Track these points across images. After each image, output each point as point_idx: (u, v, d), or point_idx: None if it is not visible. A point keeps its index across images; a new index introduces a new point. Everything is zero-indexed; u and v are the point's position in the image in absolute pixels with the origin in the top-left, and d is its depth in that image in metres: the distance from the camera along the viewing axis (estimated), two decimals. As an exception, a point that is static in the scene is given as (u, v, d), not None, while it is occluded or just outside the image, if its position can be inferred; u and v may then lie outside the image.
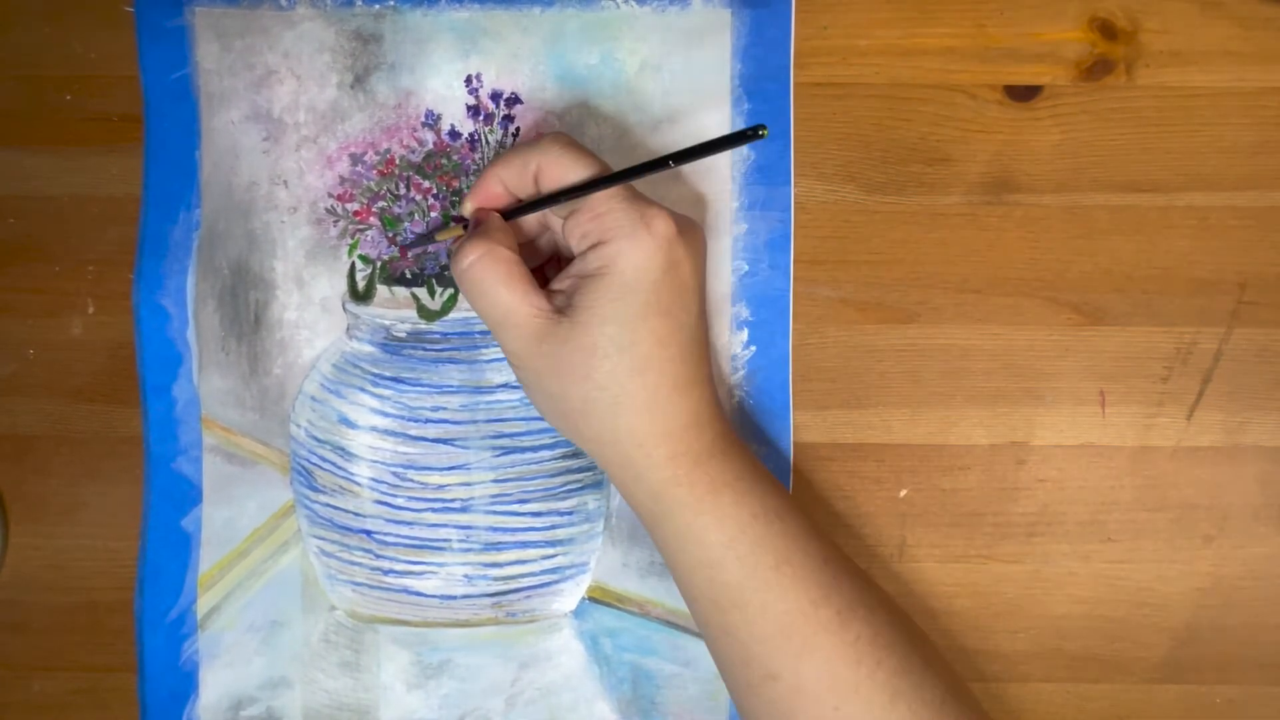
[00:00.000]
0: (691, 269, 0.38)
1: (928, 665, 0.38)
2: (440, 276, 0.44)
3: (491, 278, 0.38)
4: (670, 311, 0.37)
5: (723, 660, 0.39)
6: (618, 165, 0.38)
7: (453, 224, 0.42)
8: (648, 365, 0.37)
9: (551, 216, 0.40)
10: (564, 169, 0.38)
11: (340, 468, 0.44)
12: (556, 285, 0.39)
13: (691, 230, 0.38)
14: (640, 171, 0.36)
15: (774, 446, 0.44)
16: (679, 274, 0.37)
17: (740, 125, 0.44)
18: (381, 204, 0.44)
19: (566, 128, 0.44)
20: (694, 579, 0.38)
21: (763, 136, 0.32)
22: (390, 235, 0.44)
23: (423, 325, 0.44)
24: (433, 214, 0.44)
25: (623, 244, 0.37)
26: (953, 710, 0.37)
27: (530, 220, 0.41)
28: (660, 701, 0.44)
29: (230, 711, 0.44)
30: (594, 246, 0.37)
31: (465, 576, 0.44)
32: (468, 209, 0.40)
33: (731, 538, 0.37)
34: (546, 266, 0.43)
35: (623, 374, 0.37)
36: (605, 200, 0.37)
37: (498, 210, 0.40)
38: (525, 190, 0.39)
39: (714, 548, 0.38)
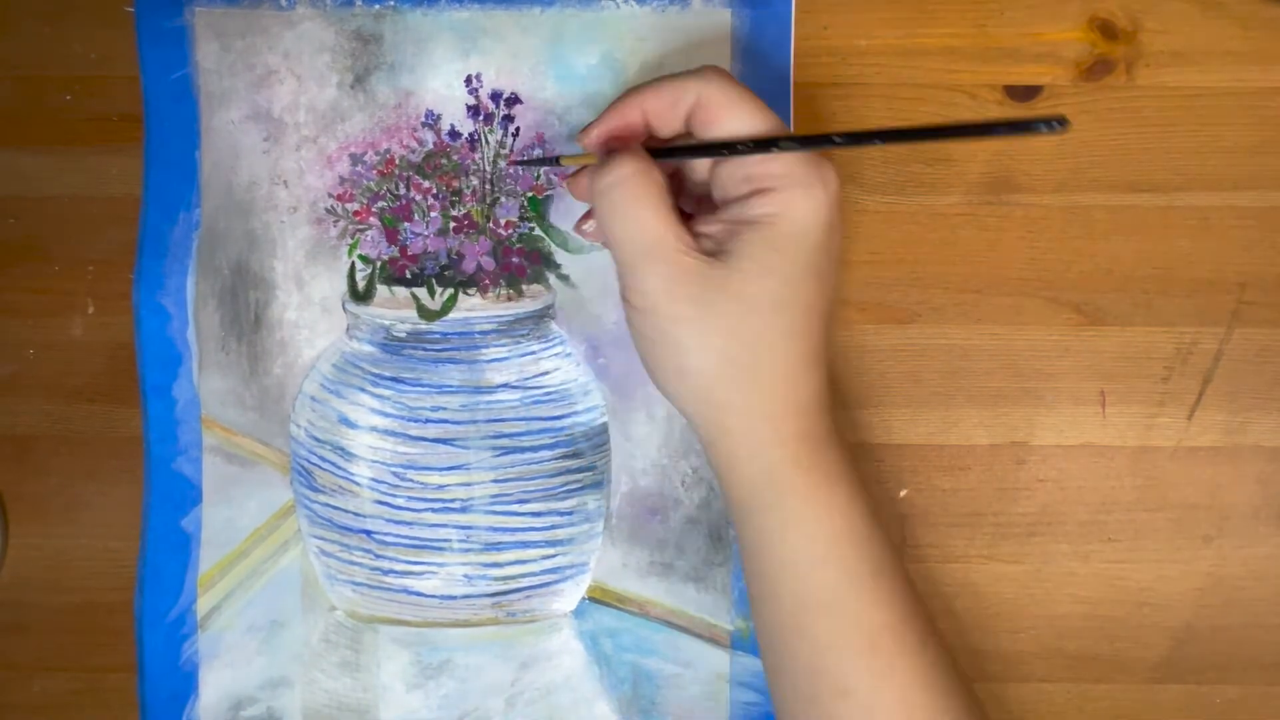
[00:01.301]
0: (841, 236, 0.35)
1: (982, 709, 0.37)
2: (440, 276, 0.44)
3: (644, 200, 0.34)
4: (824, 276, 0.34)
5: (787, 667, 0.36)
6: (734, 120, 0.36)
7: (513, 146, 0.40)
8: (796, 330, 0.34)
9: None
10: (728, 108, 0.34)
11: (340, 468, 0.44)
12: (703, 228, 0.35)
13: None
14: (840, 142, 0.33)
15: (774, 446, 0.44)
16: (835, 237, 0.35)
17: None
18: (381, 204, 0.44)
19: (567, 128, 0.44)
20: (784, 574, 0.35)
21: (1060, 130, 0.27)
22: (392, 232, 0.44)
23: (423, 325, 0.44)
24: (432, 214, 0.44)
25: (795, 194, 0.33)
26: None
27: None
28: (660, 701, 0.44)
29: (230, 712, 0.44)
30: (759, 192, 0.34)
31: (465, 576, 0.44)
32: (593, 138, 0.36)
33: (839, 534, 0.35)
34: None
35: (770, 334, 0.34)
36: (765, 121, 0.34)
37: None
38: (669, 128, 0.36)
39: (821, 541, 0.35)
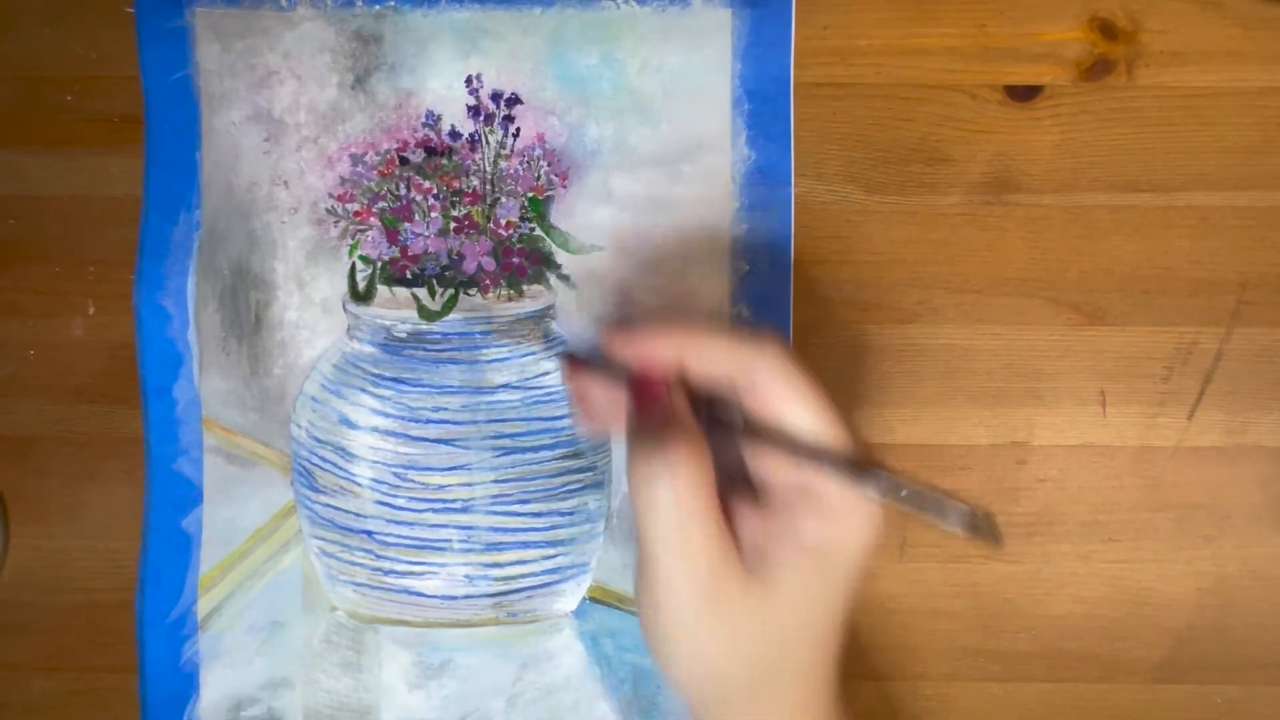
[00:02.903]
0: None
1: None
2: (441, 277, 0.44)
3: (693, 500, 0.30)
4: (851, 603, 0.32)
5: None
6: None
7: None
8: (821, 640, 0.32)
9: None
10: (787, 394, 0.31)
11: (341, 468, 0.44)
12: (745, 532, 0.32)
13: None
14: (877, 483, 0.31)
15: (775, 447, 0.44)
16: (869, 558, 0.32)
17: (741, 126, 0.44)
18: (382, 204, 0.44)
19: (567, 128, 0.44)
20: None
21: (996, 544, 0.28)
22: (392, 232, 0.44)
23: (423, 326, 0.44)
24: (433, 214, 0.44)
25: (851, 515, 0.31)
26: None
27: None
28: (661, 701, 0.44)
29: (231, 712, 0.44)
30: (811, 502, 0.31)
31: (466, 577, 0.44)
32: (625, 354, 0.33)
33: None
34: None
35: (798, 648, 0.32)
36: (825, 428, 0.31)
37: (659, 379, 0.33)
38: (705, 381, 0.32)
39: None
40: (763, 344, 0.31)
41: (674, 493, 0.30)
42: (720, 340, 0.32)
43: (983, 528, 0.30)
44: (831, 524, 0.31)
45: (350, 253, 0.45)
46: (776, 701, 0.32)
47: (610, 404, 0.35)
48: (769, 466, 0.32)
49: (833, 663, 0.33)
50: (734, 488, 0.33)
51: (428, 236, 0.44)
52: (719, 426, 0.32)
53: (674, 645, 0.32)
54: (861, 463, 0.31)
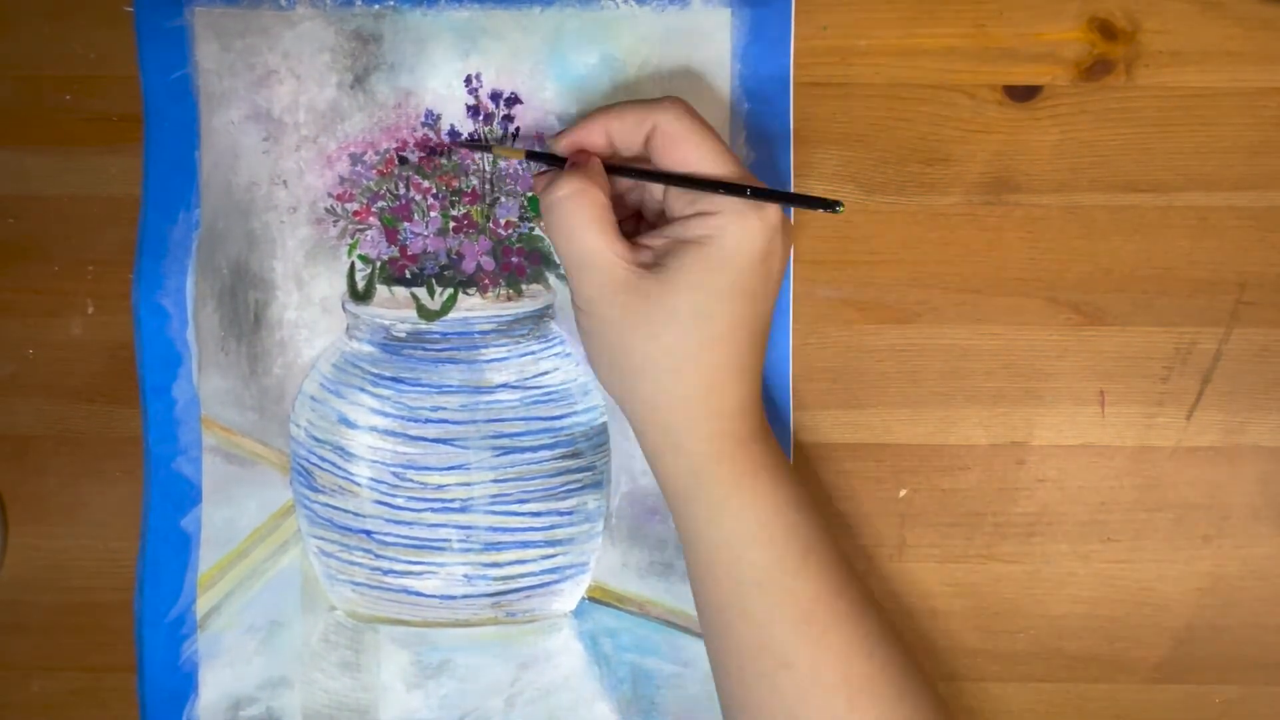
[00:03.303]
0: (781, 261, 0.38)
1: (921, 672, 0.39)
2: (440, 276, 0.44)
3: (583, 217, 0.37)
4: (754, 295, 0.37)
5: (731, 649, 0.38)
6: (687, 153, 0.38)
7: (508, 143, 0.43)
8: (717, 342, 0.37)
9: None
10: (683, 143, 0.38)
11: (340, 468, 0.44)
12: (647, 241, 0.38)
13: (788, 224, 0.39)
14: (718, 188, 0.37)
15: (774, 446, 0.44)
16: (771, 264, 0.38)
17: (741, 126, 0.44)
18: (381, 204, 0.44)
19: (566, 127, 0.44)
20: (718, 558, 0.38)
21: (838, 212, 0.36)
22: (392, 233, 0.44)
23: (422, 325, 0.44)
24: (432, 214, 0.44)
25: (731, 218, 0.37)
26: (946, 716, 0.38)
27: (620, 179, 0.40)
28: (660, 701, 0.44)
29: (230, 711, 0.44)
30: (700, 214, 0.37)
31: (465, 576, 0.44)
32: (562, 145, 0.40)
33: (767, 519, 0.37)
34: (626, 222, 0.42)
35: (692, 342, 0.37)
36: (715, 161, 0.37)
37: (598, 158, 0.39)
38: (631, 148, 0.39)
39: (749, 525, 0.37)
40: (664, 102, 0.38)
41: (568, 207, 0.37)
42: (628, 108, 0.38)
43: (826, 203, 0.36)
44: (713, 221, 0.37)
45: (349, 252, 0.45)
46: (684, 403, 0.37)
47: None
48: (674, 199, 0.38)
49: (737, 375, 0.38)
50: (658, 225, 0.40)
51: (427, 236, 0.44)
52: (627, 175, 0.39)
53: (595, 345, 0.39)
54: (745, 183, 0.37)
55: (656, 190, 0.40)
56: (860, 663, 0.37)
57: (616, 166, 0.39)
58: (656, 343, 0.37)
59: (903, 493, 0.44)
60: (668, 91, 0.44)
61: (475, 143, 0.44)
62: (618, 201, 0.41)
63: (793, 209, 0.43)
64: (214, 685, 0.45)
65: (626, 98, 0.44)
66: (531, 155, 0.41)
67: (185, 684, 0.44)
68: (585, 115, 0.40)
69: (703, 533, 0.38)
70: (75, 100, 0.45)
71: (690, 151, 0.37)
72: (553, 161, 0.40)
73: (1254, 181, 0.44)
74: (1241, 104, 0.44)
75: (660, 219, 0.40)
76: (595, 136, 0.39)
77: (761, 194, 0.37)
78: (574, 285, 0.38)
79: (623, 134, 0.38)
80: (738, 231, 0.37)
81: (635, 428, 0.39)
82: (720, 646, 0.39)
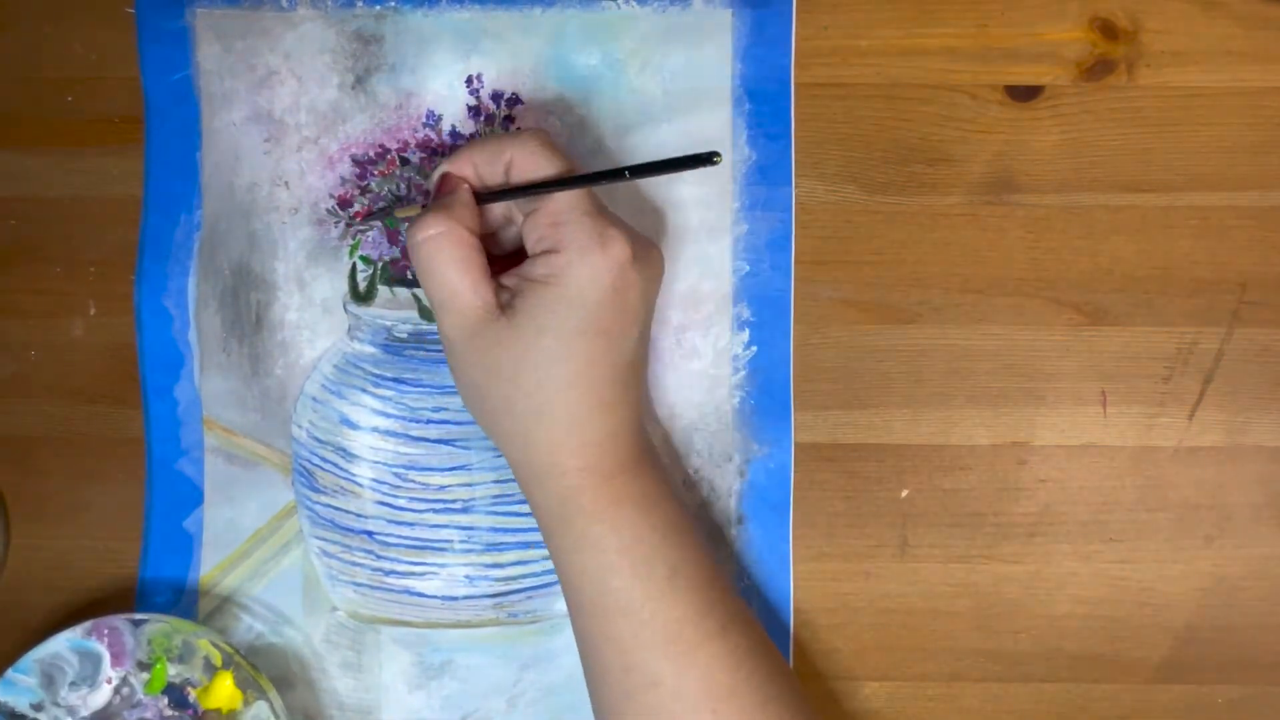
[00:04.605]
0: (640, 294, 0.38)
1: (790, 676, 0.40)
2: (441, 277, 0.44)
3: (445, 258, 0.37)
4: (609, 332, 0.37)
5: (601, 669, 0.39)
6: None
7: (416, 201, 0.43)
8: (575, 381, 0.37)
9: (517, 212, 0.40)
10: (536, 165, 0.38)
11: (342, 469, 0.44)
12: (505, 281, 0.38)
13: (649, 255, 0.38)
14: (598, 179, 0.37)
15: (775, 446, 0.44)
16: (626, 297, 0.37)
17: (742, 126, 0.44)
18: (383, 205, 0.44)
19: (567, 128, 0.44)
20: (584, 584, 0.38)
21: (715, 163, 0.34)
22: (391, 231, 0.44)
23: (424, 326, 0.44)
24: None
25: (573, 258, 0.36)
26: (813, 718, 0.39)
27: (497, 210, 0.40)
28: (662, 702, 0.44)
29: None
30: (546, 253, 0.37)
31: (467, 577, 0.44)
32: (433, 180, 0.40)
33: (627, 545, 0.38)
34: (505, 259, 0.41)
35: (549, 386, 0.37)
36: (566, 209, 0.37)
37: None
38: (494, 179, 0.39)
39: (609, 553, 0.38)
40: (520, 132, 0.39)
41: (430, 247, 0.37)
42: (488, 141, 0.39)
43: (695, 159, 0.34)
44: (557, 259, 0.37)
45: (351, 253, 0.45)
46: (546, 440, 0.38)
47: None
48: (527, 236, 0.38)
49: (601, 411, 0.38)
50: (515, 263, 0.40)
51: (428, 237, 0.44)
52: (485, 200, 0.39)
53: (460, 381, 0.39)
54: (589, 174, 0.37)
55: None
56: (725, 676, 0.38)
57: (482, 194, 0.39)
58: (514, 385, 0.37)
59: (904, 493, 0.44)
60: (669, 92, 0.44)
61: (375, 212, 0.44)
62: (494, 240, 0.41)
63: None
64: (216, 686, 0.45)
65: (627, 97, 0.44)
66: (425, 208, 0.40)
67: (187, 685, 0.45)
68: (451, 153, 0.40)
69: (570, 561, 0.39)
70: (77, 101, 0.45)
71: (543, 173, 0.38)
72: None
73: (1255, 181, 0.44)
74: (1243, 104, 0.44)
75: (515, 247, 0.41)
76: (463, 169, 0.39)
77: (613, 175, 0.36)
78: (438, 324, 0.39)
79: (484, 166, 0.39)
80: (583, 269, 0.36)
81: (507, 460, 0.40)
82: (591, 667, 0.39)
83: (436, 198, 0.39)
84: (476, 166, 0.39)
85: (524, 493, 0.40)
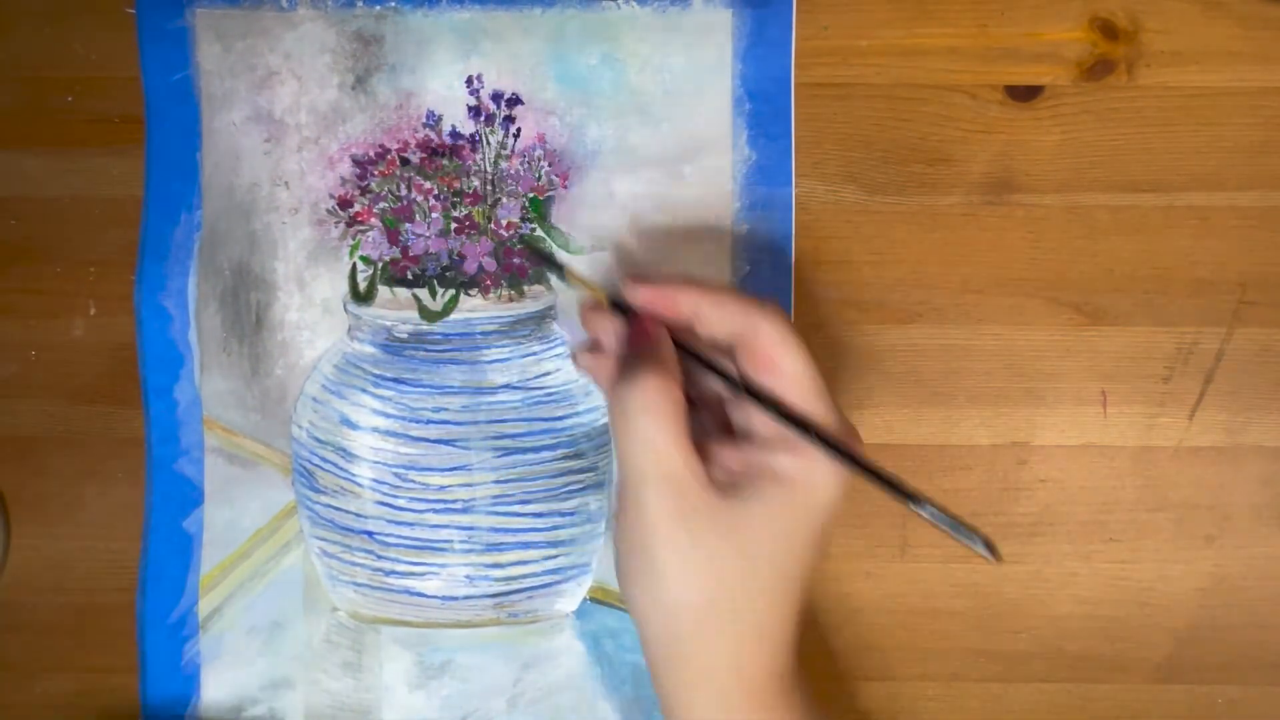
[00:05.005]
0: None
1: None
2: (442, 277, 0.44)
3: (661, 421, 0.33)
4: (823, 547, 0.34)
5: None
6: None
7: (587, 277, 0.39)
8: (783, 590, 0.33)
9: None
10: (781, 364, 0.33)
11: (342, 469, 0.44)
12: (721, 459, 0.34)
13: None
14: (854, 465, 0.33)
15: (775, 447, 0.44)
16: (838, 512, 0.34)
17: (742, 126, 0.44)
18: (383, 205, 0.44)
19: (567, 128, 0.44)
20: None
21: (996, 560, 0.31)
22: (393, 233, 0.44)
23: (424, 326, 0.44)
24: (434, 215, 0.44)
25: (823, 464, 0.33)
26: None
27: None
28: (662, 702, 0.44)
29: (232, 713, 0.44)
30: (789, 447, 0.33)
31: (467, 577, 0.44)
32: (641, 298, 0.35)
33: None
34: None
35: (760, 589, 0.33)
36: (814, 399, 0.33)
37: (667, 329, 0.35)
38: (714, 337, 0.35)
39: None
40: (766, 309, 0.34)
41: (646, 409, 0.33)
42: (729, 298, 0.34)
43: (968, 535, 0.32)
44: (805, 461, 0.33)
45: (351, 253, 0.45)
46: (731, 646, 0.33)
47: (612, 343, 0.37)
48: (755, 419, 0.34)
49: (789, 625, 0.34)
50: (716, 432, 0.36)
51: (429, 237, 0.44)
52: (709, 375, 0.35)
53: (641, 564, 0.33)
54: (841, 443, 0.33)
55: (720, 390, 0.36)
56: None
57: (692, 353, 0.35)
58: (721, 582, 0.33)
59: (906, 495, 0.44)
60: (669, 93, 0.44)
61: (547, 260, 0.41)
62: None
63: None
64: (216, 686, 0.45)
65: (627, 98, 0.44)
66: (614, 305, 0.36)
67: (187, 685, 0.44)
68: (670, 276, 0.35)
69: None
70: (77, 102, 0.45)
71: (786, 378, 0.33)
72: (619, 308, 0.36)
73: (1256, 181, 0.44)
74: (1243, 104, 0.44)
75: (720, 418, 0.36)
76: (681, 308, 0.35)
77: (895, 490, 0.32)
78: (635, 495, 0.33)
79: (713, 322, 0.34)
80: (829, 475, 0.33)
81: (657, 659, 0.34)
82: None
83: (639, 335, 0.34)
84: (700, 314, 0.34)
85: (670, 701, 0.34)
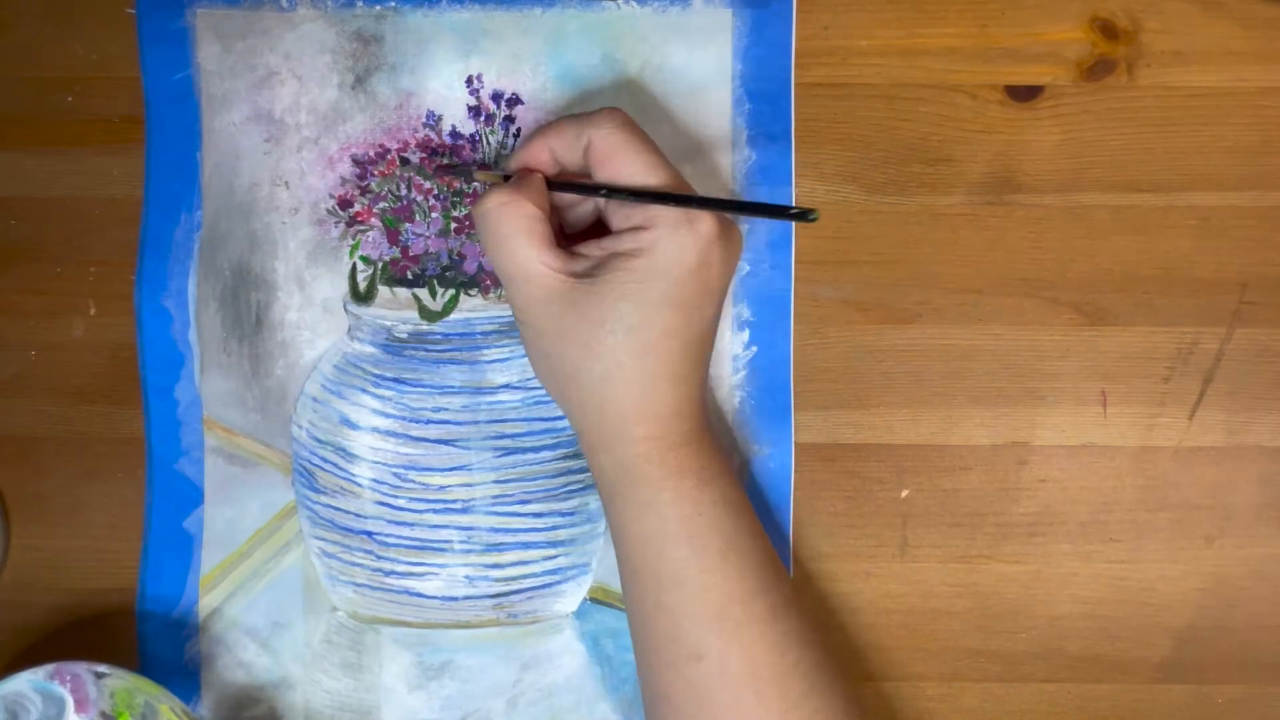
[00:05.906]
0: (720, 272, 0.38)
1: (837, 669, 0.40)
2: (442, 277, 0.44)
3: (510, 228, 0.38)
4: (687, 307, 0.38)
5: (648, 637, 0.39)
6: (621, 165, 0.38)
7: (497, 170, 0.43)
8: (649, 350, 0.38)
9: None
10: (618, 155, 0.38)
11: (342, 469, 0.44)
12: (585, 250, 0.39)
13: (731, 234, 0.39)
14: (679, 201, 0.37)
15: (775, 447, 0.44)
16: (708, 274, 0.38)
17: (742, 126, 0.44)
18: (383, 205, 0.44)
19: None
20: (642, 551, 0.39)
21: (812, 220, 0.35)
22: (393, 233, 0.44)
23: (424, 326, 0.44)
24: (433, 214, 0.44)
25: (663, 233, 0.37)
26: (856, 713, 0.39)
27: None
28: (662, 702, 0.44)
29: (232, 712, 0.44)
30: (634, 229, 0.38)
31: (467, 577, 0.44)
32: (511, 164, 0.40)
33: (688, 516, 0.38)
34: (581, 236, 0.42)
35: (623, 352, 0.37)
36: (648, 172, 0.38)
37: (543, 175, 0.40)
38: (573, 162, 0.39)
39: (669, 522, 0.38)
40: (599, 116, 0.38)
41: (495, 219, 0.38)
42: (564, 125, 0.39)
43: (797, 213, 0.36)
44: (645, 235, 0.37)
45: (351, 253, 0.45)
46: (615, 408, 0.38)
47: None
48: (612, 212, 0.39)
49: (670, 383, 0.38)
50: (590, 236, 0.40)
51: (428, 237, 0.44)
52: (564, 189, 0.40)
53: (530, 350, 0.40)
54: (679, 194, 0.38)
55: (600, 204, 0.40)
56: (770, 658, 0.38)
57: (559, 182, 0.40)
58: (587, 350, 0.38)
59: (905, 493, 0.44)
60: (670, 93, 0.44)
61: (456, 170, 0.44)
62: (568, 215, 0.41)
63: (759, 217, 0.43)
64: (216, 686, 0.45)
65: (627, 98, 0.44)
66: (507, 177, 0.41)
67: (187, 685, 0.44)
68: (529, 133, 0.40)
69: (628, 528, 0.39)
70: (77, 101, 0.45)
71: (625, 164, 0.38)
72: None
73: (1256, 181, 0.44)
74: (1243, 104, 0.44)
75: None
76: (539, 153, 0.39)
77: (714, 203, 0.37)
78: (508, 294, 0.39)
79: (562, 149, 0.39)
80: (671, 244, 0.37)
81: (573, 428, 0.40)
82: (640, 636, 0.40)
83: (514, 182, 0.39)
84: (554, 151, 0.39)
85: (588, 461, 0.40)
